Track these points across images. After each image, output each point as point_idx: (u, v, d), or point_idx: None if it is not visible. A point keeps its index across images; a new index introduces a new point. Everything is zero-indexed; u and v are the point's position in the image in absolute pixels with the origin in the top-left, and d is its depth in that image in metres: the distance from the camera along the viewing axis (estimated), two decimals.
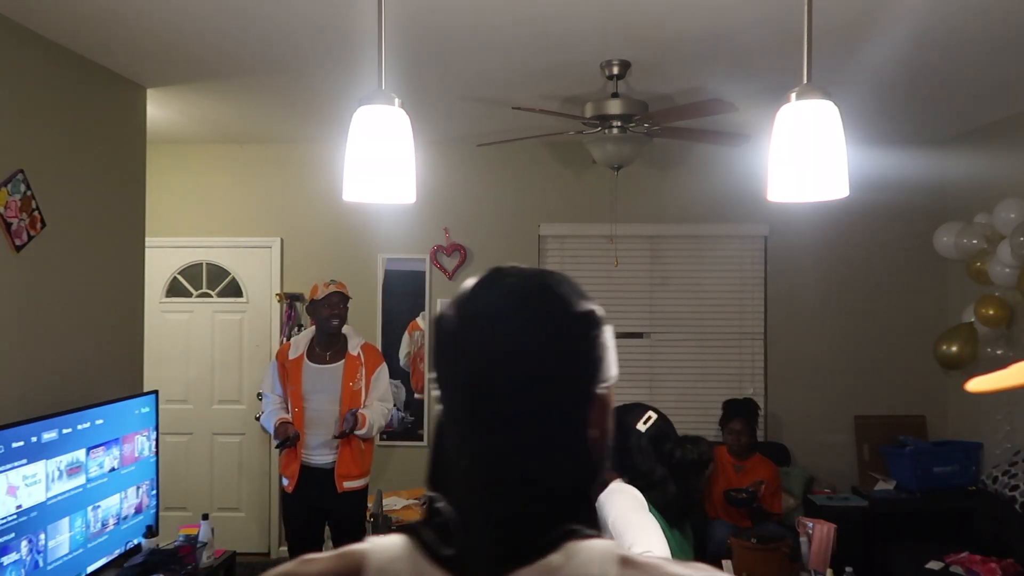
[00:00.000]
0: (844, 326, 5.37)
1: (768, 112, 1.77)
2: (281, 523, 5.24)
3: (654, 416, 2.15)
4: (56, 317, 3.44)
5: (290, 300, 5.44)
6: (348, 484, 3.77)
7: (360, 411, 3.72)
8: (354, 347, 3.84)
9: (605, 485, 2.02)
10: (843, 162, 1.59)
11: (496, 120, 4.68)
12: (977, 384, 0.96)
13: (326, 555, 0.86)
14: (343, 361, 3.81)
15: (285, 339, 4.00)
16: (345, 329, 3.92)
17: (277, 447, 3.83)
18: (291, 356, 3.89)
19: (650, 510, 1.93)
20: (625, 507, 1.85)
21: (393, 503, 4.46)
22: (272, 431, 3.89)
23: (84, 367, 3.64)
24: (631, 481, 2.01)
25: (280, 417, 3.85)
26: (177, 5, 2.97)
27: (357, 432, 3.69)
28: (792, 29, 3.02)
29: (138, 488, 3.72)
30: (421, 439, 5.42)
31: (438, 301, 5.46)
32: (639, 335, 5.48)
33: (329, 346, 3.84)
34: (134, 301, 4.12)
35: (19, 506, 2.85)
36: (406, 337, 5.50)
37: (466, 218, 5.46)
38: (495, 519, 0.80)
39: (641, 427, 2.12)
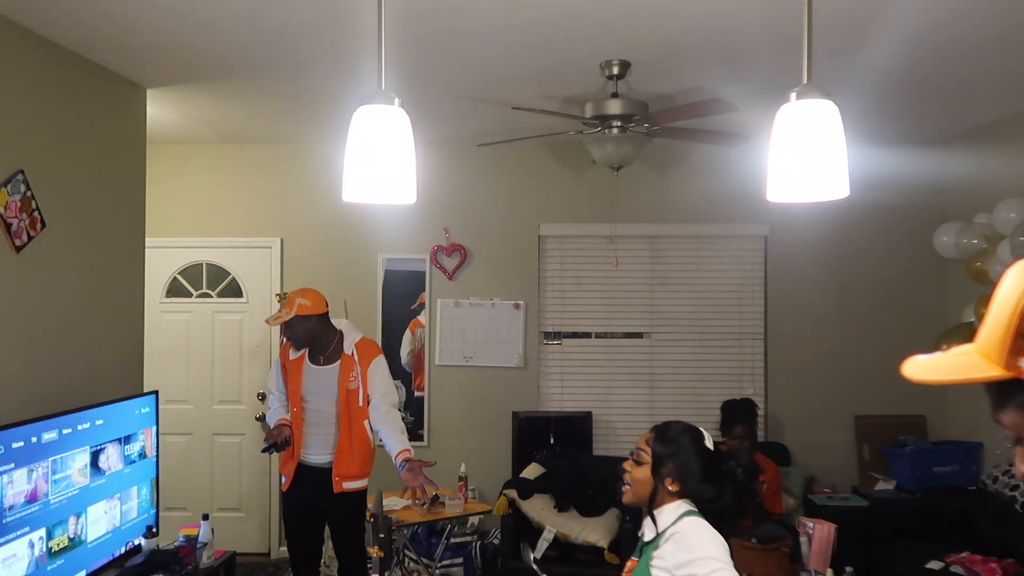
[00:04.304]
0: (844, 326, 5.37)
1: (768, 112, 1.77)
2: (281, 523, 5.24)
3: (709, 435, 2.09)
4: (56, 317, 3.44)
5: None
6: (348, 485, 3.75)
7: (402, 455, 3.62)
8: (348, 346, 3.80)
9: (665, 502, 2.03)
10: (843, 162, 1.59)
11: (496, 120, 4.68)
12: (916, 371, 0.93)
13: None
14: (339, 362, 3.79)
15: (285, 339, 3.98)
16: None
17: (263, 451, 3.79)
18: (291, 356, 3.87)
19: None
20: (714, 549, 1.86)
21: (393, 503, 4.45)
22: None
23: (84, 367, 3.64)
24: (697, 504, 2.00)
25: (279, 418, 3.84)
26: (177, 5, 2.97)
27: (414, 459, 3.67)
28: (792, 29, 3.02)
29: (138, 488, 3.72)
30: (422, 439, 5.42)
31: (438, 301, 5.47)
32: (639, 335, 5.48)
33: (324, 348, 3.82)
34: (134, 301, 4.12)
35: (20, 506, 2.85)
36: (408, 335, 5.50)
37: (466, 218, 5.46)
38: None
39: (709, 445, 2.06)
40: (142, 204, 4.20)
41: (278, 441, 3.70)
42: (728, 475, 2.03)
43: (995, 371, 0.85)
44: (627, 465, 2.11)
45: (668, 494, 2.02)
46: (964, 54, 3.48)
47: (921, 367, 0.92)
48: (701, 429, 2.09)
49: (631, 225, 5.37)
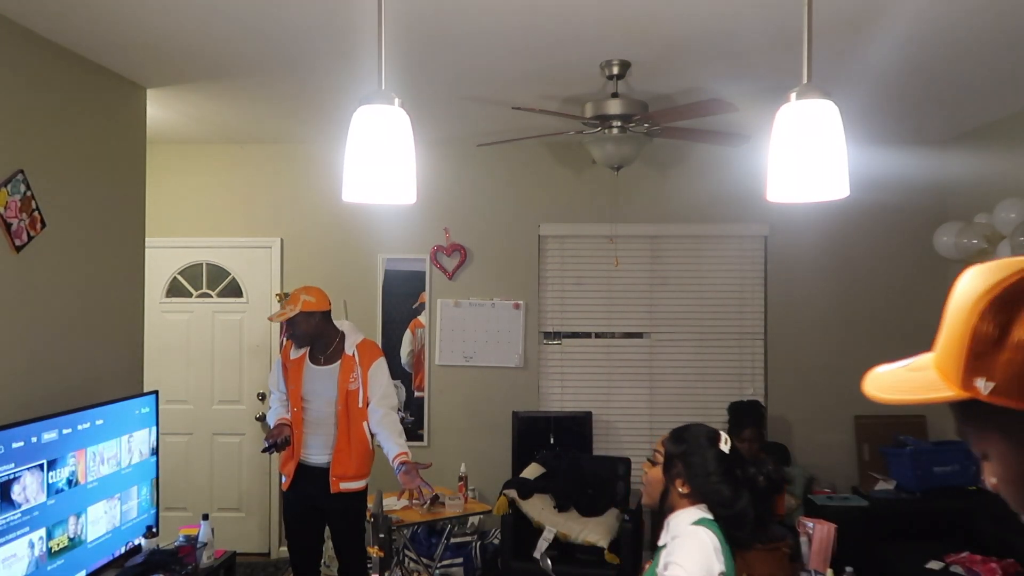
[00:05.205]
0: (844, 326, 5.36)
1: (768, 112, 1.77)
2: (281, 523, 5.24)
3: (728, 438, 2.06)
4: (56, 317, 3.44)
5: None
6: (345, 485, 3.74)
7: (399, 458, 3.64)
8: (350, 347, 3.81)
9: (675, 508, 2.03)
10: (843, 162, 1.59)
11: (496, 120, 4.68)
12: (875, 388, 0.86)
13: None
14: (339, 362, 3.79)
15: (285, 339, 3.98)
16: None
17: (263, 451, 3.79)
18: (293, 356, 3.87)
19: (722, 543, 1.93)
20: (690, 561, 1.84)
21: (393, 503, 4.45)
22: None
23: (84, 367, 3.64)
24: (711, 508, 1.98)
25: (280, 418, 3.83)
26: (177, 5, 2.97)
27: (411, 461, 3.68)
28: (792, 29, 3.02)
29: (138, 488, 3.72)
30: (422, 439, 5.42)
31: (438, 301, 5.47)
32: (639, 335, 5.48)
33: (325, 348, 3.82)
34: (134, 301, 4.12)
35: (20, 506, 2.85)
36: (408, 335, 5.50)
37: (466, 218, 5.46)
38: None
39: (724, 448, 2.02)
40: (142, 204, 4.20)
41: (278, 441, 3.70)
42: (747, 481, 1.99)
43: (952, 391, 0.81)
44: (644, 466, 2.14)
45: (679, 496, 2.00)
46: (965, 54, 3.47)
47: (880, 384, 0.87)
48: (721, 432, 2.06)
49: (631, 225, 5.37)
